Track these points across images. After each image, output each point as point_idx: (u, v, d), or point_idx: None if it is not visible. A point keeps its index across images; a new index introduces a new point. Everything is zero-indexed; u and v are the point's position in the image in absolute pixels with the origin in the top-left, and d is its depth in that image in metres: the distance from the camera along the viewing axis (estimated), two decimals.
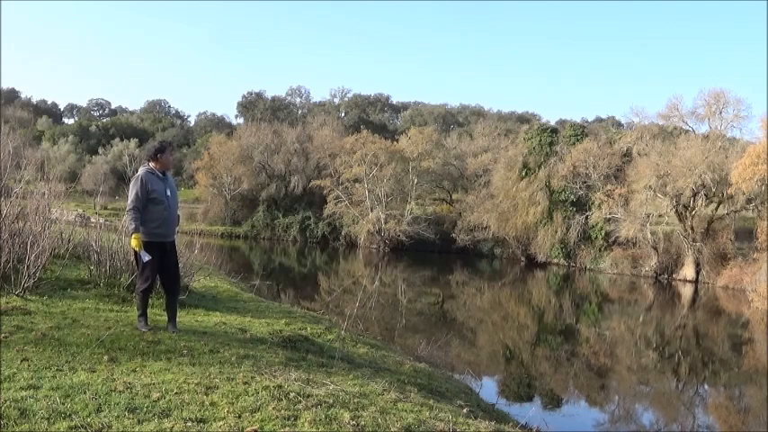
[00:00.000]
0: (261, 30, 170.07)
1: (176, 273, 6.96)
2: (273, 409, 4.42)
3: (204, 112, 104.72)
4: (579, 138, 43.69)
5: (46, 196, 9.44)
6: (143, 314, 6.73)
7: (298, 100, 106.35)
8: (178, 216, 7.03)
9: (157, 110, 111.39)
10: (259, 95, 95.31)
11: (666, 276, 37.23)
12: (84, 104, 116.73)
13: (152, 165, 6.66)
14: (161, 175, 6.68)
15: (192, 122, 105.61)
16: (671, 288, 35.01)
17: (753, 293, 28.84)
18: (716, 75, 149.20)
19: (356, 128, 65.38)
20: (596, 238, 40.75)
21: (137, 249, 6.49)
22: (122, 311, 7.67)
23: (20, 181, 9.51)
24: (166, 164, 6.76)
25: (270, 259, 41.78)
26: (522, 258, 44.38)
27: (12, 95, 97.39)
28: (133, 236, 6.44)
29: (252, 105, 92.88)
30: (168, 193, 6.64)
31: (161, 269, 6.73)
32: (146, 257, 6.49)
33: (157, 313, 7.31)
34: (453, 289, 32.79)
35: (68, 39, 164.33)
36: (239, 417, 4.23)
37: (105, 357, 5.38)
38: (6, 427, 3.72)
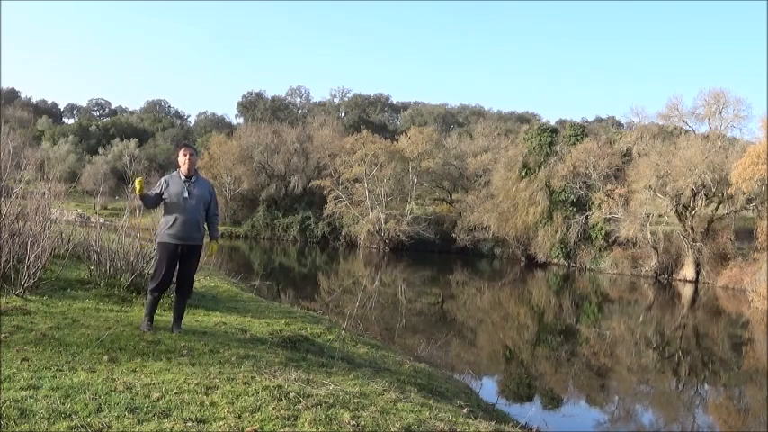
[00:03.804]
0: (261, 30, 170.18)
1: (191, 277, 6.92)
2: (273, 409, 4.42)
3: (204, 112, 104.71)
4: (579, 138, 43.73)
5: (46, 196, 9.44)
6: (148, 315, 6.73)
7: (298, 100, 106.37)
8: (206, 220, 6.88)
9: (157, 110, 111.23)
10: (259, 95, 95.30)
11: (666, 276, 37.24)
12: (84, 104, 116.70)
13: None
14: (185, 177, 6.68)
15: (192, 122, 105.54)
16: (671, 288, 35.01)
17: (753, 293, 28.84)
18: (716, 75, 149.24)
19: (356, 128, 65.38)
20: (596, 238, 40.77)
21: (137, 191, 6.45)
22: (122, 311, 7.66)
23: (20, 181, 9.51)
24: (181, 165, 6.75)
25: (270, 259, 41.77)
26: (522, 258, 44.40)
27: (12, 95, 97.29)
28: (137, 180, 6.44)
29: (252, 105, 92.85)
30: (186, 195, 6.58)
31: (177, 271, 6.76)
32: (139, 200, 6.63)
33: (158, 313, 7.30)
34: (453, 289, 32.78)
35: (68, 39, 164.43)
36: (239, 417, 4.23)
37: (105, 357, 5.38)
38: (6, 427, 3.72)
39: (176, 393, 4.57)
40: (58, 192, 10.22)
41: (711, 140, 37.84)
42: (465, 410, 6.30)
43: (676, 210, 36.91)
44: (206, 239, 7.05)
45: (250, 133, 58.66)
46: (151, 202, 6.67)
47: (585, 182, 41.21)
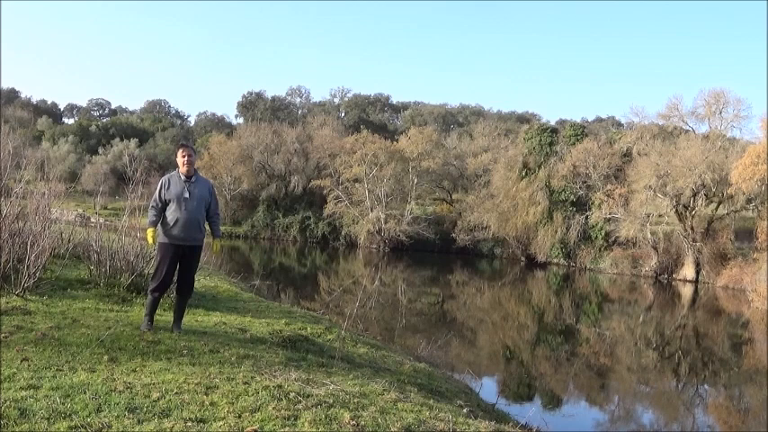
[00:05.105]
0: (261, 30, 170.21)
1: (191, 277, 6.92)
2: (273, 409, 4.42)
3: (204, 112, 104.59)
4: (579, 138, 43.72)
5: (46, 196, 9.43)
6: (148, 315, 6.73)
7: (298, 100, 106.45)
8: (207, 220, 6.88)
9: (157, 110, 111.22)
10: (259, 95, 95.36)
11: (666, 276, 37.23)
12: (84, 104, 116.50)
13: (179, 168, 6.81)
14: (185, 177, 6.68)
15: (192, 122, 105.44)
16: (671, 288, 35.01)
17: (753, 293, 28.83)
18: (716, 75, 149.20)
19: (356, 128, 65.41)
20: (596, 238, 40.77)
21: (150, 242, 6.73)
22: (122, 311, 7.66)
23: (20, 181, 9.51)
24: (179, 165, 6.75)
25: (270, 259, 41.77)
26: (522, 258, 44.40)
27: (12, 95, 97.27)
28: (147, 231, 6.68)
29: (252, 105, 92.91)
30: (186, 195, 6.58)
31: (178, 271, 6.77)
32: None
33: (158, 313, 7.29)
34: (453, 289, 32.78)
35: (69, 39, 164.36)
36: (239, 417, 4.23)
37: (105, 357, 5.38)
38: (6, 427, 3.72)
39: (176, 393, 4.57)
40: (58, 192, 10.21)
41: (711, 140, 37.84)
42: (465, 410, 6.30)
43: (676, 210, 36.90)
44: (209, 239, 7.08)
45: (250, 133, 58.65)
46: (159, 219, 6.65)
47: (585, 182, 41.21)
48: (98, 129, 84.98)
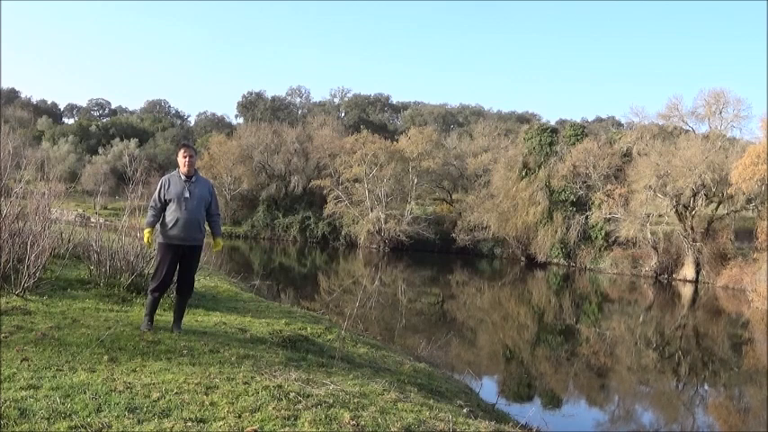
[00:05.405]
0: (261, 30, 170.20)
1: (191, 277, 6.93)
2: (273, 409, 4.42)
3: (204, 112, 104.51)
4: (579, 138, 43.72)
5: (46, 196, 9.44)
6: (148, 315, 6.73)
7: (298, 100, 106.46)
8: (208, 219, 6.90)
9: (157, 110, 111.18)
10: (259, 95, 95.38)
11: (666, 276, 37.23)
12: (84, 104, 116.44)
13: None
14: (185, 177, 6.69)
15: (192, 122, 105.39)
16: (671, 288, 35.01)
17: (753, 293, 28.82)
18: (716, 75, 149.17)
19: (356, 128, 65.41)
20: (596, 238, 40.77)
21: (146, 242, 6.80)
22: (122, 311, 7.66)
23: (20, 181, 9.51)
24: (180, 165, 6.75)
25: (270, 259, 41.76)
26: (522, 258, 44.40)
27: (12, 95, 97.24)
28: (145, 231, 6.73)
29: (252, 105, 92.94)
30: (187, 195, 6.59)
31: (178, 272, 6.78)
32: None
33: (158, 313, 7.29)
34: (453, 289, 32.78)
35: (69, 39, 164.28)
36: (239, 417, 4.23)
37: (105, 357, 5.38)
38: (6, 427, 3.72)
39: (176, 393, 4.57)
40: (58, 192, 10.21)
41: (711, 140, 37.84)
42: (465, 410, 6.30)
43: (676, 210, 36.90)
44: (210, 239, 7.11)
45: (250, 133, 58.65)
46: (158, 219, 6.67)
47: (585, 182, 41.21)
48: (98, 129, 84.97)
